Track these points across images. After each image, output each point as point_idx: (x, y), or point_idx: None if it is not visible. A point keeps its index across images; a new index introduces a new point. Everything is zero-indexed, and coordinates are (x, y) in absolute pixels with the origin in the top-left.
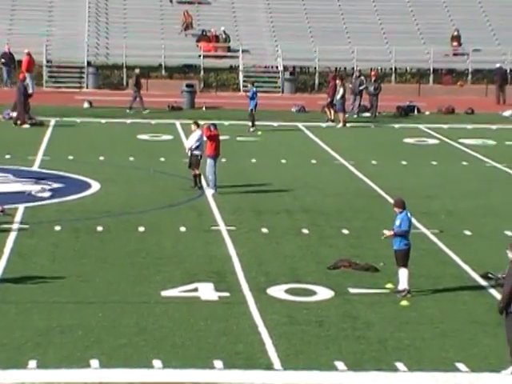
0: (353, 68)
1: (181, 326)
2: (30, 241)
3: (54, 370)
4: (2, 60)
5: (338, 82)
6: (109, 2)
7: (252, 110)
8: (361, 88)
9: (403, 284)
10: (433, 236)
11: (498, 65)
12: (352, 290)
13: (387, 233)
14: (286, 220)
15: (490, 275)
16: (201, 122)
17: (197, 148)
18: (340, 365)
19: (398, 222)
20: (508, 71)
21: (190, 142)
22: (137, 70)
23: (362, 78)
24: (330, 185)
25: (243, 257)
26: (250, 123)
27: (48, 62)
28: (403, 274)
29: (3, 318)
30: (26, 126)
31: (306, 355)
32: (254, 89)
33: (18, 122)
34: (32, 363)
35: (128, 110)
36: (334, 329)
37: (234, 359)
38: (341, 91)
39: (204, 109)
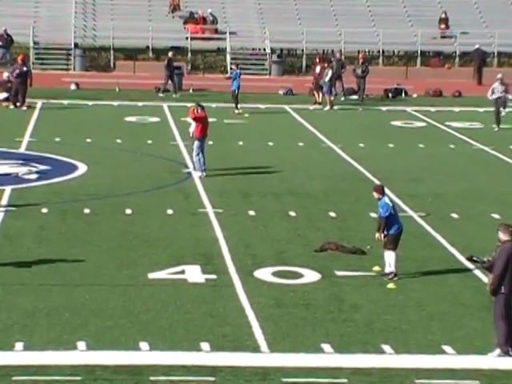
0: (340, 50)
1: (168, 309)
2: (16, 223)
3: (40, 351)
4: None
5: (325, 64)
6: None
7: (234, 91)
8: (342, 71)
9: (390, 267)
10: (419, 219)
11: (476, 46)
12: (339, 273)
13: (380, 236)
14: (273, 203)
15: (474, 258)
16: (188, 105)
17: None
18: (326, 347)
19: (380, 209)
20: (496, 53)
21: (192, 126)
22: (169, 53)
23: (343, 59)
24: (318, 167)
25: (230, 239)
26: (233, 105)
27: (35, 43)
28: (391, 256)
29: None
30: (24, 108)
31: (293, 338)
32: (238, 70)
33: (18, 104)
34: (19, 345)
35: (161, 94)
36: (320, 311)
37: (221, 341)
38: (329, 74)
39: (191, 91)
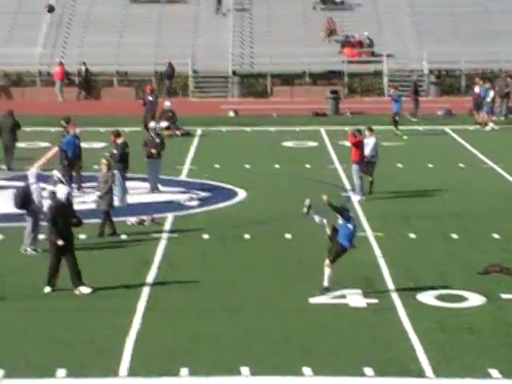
0: (500, 69)
1: (330, 333)
2: (179, 249)
3: (205, 377)
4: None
5: (487, 84)
6: (253, 11)
7: (396, 113)
8: (506, 90)
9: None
10: None
11: None
12: (504, 296)
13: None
14: (434, 225)
15: None
16: (346, 128)
17: (373, 156)
18: (494, 372)
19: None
20: None
21: (366, 151)
22: (414, 77)
23: (508, 79)
24: (479, 188)
25: (391, 262)
26: (392, 127)
27: (194, 72)
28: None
29: (154, 326)
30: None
31: (458, 362)
32: (398, 92)
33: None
34: (184, 371)
35: (413, 119)
36: (486, 335)
37: (385, 366)
38: (491, 94)
39: (349, 114)
